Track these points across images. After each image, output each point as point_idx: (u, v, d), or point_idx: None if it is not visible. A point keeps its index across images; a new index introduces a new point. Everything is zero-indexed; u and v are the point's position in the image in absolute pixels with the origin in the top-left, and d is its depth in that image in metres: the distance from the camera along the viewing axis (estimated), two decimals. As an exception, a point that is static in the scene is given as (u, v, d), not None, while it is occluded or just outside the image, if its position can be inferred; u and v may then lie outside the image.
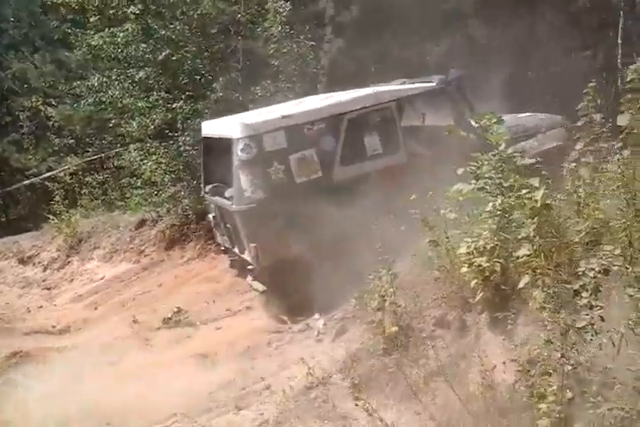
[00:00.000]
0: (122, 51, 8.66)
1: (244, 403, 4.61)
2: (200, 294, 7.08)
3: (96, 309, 8.13)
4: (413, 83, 6.58)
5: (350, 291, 5.69)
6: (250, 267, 6.00)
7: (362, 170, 5.94)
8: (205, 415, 4.54)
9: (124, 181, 12.01)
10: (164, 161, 9.27)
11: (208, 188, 6.82)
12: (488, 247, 3.74)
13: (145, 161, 9.48)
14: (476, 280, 3.76)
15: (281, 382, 4.78)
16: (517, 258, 3.54)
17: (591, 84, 4.62)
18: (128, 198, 12.98)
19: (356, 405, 3.95)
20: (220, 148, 6.32)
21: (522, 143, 6.74)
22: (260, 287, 5.86)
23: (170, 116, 8.60)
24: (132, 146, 10.75)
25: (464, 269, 3.90)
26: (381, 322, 4.44)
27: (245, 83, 8.60)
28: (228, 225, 6.42)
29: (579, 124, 4.81)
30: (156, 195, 10.29)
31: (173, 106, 8.51)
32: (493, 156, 4.37)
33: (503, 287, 3.77)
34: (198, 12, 8.46)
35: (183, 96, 8.54)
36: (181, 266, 8.59)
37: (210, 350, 5.55)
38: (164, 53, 8.26)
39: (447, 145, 6.23)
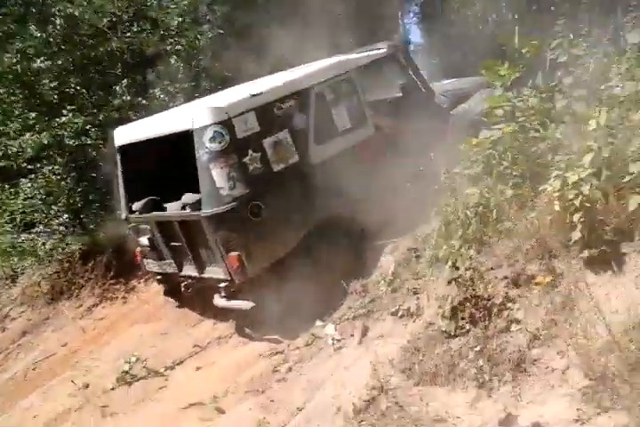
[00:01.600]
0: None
1: (299, 441, 3.54)
2: (142, 337, 5.58)
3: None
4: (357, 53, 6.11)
5: (348, 285, 4.95)
6: (223, 285, 4.84)
7: (337, 148, 5.29)
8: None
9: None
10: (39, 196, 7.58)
11: (138, 205, 5.50)
12: (584, 175, 3.25)
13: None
14: (577, 215, 3.24)
15: (326, 406, 3.79)
16: (630, 175, 3.09)
17: None
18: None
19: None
20: (156, 151, 5.19)
21: (462, 105, 6.74)
22: (247, 305, 4.74)
23: (52, 136, 7.01)
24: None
25: (557, 208, 3.38)
26: (446, 296, 3.71)
27: (138, 87, 7.34)
28: (175, 244, 5.21)
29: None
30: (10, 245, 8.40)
31: (61, 121, 6.93)
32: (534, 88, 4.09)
33: (601, 217, 3.30)
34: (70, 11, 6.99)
35: (65, 111, 7.03)
36: (84, 317, 6.84)
37: (204, 395, 4.27)
38: (37, 62, 6.68)
39: (404, 115, 5.87)
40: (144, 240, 5.48)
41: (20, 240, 8.38)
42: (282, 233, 4.79)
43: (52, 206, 8.08)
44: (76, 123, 7.15)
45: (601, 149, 3.08)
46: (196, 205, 4.82)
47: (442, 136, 5.88)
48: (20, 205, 8.20)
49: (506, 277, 3.66)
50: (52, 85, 7.25)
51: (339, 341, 4.50)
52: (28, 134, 7.28)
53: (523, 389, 3.10)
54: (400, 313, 4.39)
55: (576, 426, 2.71)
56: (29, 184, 7.87)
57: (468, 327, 3.61)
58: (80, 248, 7.84)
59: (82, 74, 7.32)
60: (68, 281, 7.67)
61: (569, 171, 3.24)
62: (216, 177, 4.58)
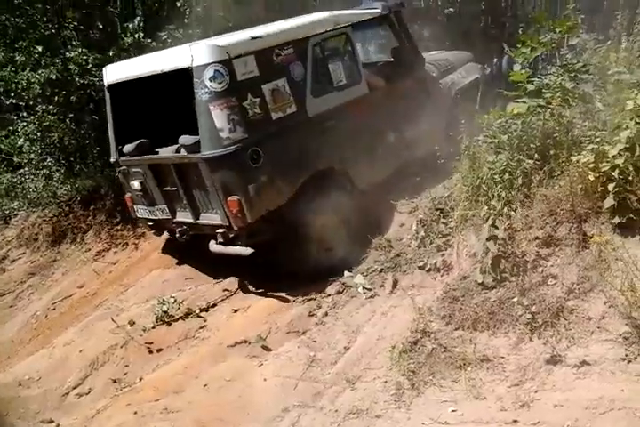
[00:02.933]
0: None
1: (353, 376, 3.94)
2: (168, 281, 5.79)
3: None
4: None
5: (363, 238, 5.22)
6: (220, 231, 4.90)
7: (332, 103, 5.36)
8: (321, 401, 3.79)
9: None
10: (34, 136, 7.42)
11: (129, 147, 5.38)
12: (619, 149, 3.68)
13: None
14: (612, 184, 3.69)
15: (372, 346, 4.21)
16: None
17: None
18: None
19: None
20: (148, 92, 5.09)
21: (450, 76, 6.99)
22: (245, 251, 4.91)
23: (59, 71, 6.81)
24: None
25: (591, 178, 3.81)
26: (486, 252, 4.13)
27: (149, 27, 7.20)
28: (168, 188, 5.19)
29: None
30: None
31: (70, 55, 6.72)
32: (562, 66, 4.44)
33: (630, 188, 3.75)
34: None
35: (70, 46, 6.84)
36: (95, 261, 6.95)
37: (247, 334, 4.59)
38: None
39: (395, 80, 6.09)
40: (136, 184, 5.35)
41: (6, 181, 8.29)
42: (278, 182, 4.86)
43: (46, 149, 7.96)
44: (85, 59, 6.95)
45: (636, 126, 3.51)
46: (194, 148, 4.78)
47: (432, 103, 6.11)
48: (11, 145, 8.06)
49: (537, 238, 4.08)
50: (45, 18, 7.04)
51: (369, 290, 4.85)
52: (28, 69, 7.03)
53: (563, 334, 3.54)
54: (427, 267, 4.81)
55: (623, 364, 3.17)
56: (24, 124, 7.70)
57: (505, 280, 4.07)
58: (79, 192, 7.79)
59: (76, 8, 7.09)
60: (69, 225, 7.64)
61: (605, 145, 3.66)
62: (216, 118, 4.54)
